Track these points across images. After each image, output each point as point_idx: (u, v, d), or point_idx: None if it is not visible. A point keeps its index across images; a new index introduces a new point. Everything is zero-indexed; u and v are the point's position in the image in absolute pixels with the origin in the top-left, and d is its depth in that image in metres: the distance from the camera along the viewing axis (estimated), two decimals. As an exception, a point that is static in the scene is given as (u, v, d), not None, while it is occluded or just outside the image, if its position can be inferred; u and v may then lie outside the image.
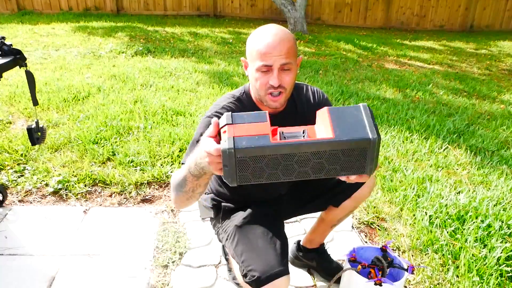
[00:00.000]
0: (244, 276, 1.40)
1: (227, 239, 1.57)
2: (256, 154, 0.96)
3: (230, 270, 1.99)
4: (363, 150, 0.98)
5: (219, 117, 1.40)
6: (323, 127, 1.01)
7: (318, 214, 1.97)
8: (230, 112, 1.05)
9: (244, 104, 1.54)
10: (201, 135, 1.41)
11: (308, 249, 2.07)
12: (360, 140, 0.97)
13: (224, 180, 1.02)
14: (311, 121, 1.61)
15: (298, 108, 1.60)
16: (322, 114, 1.03)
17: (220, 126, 1.04)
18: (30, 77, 2.27)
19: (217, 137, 1.09)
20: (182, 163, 1.48)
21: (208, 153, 1.08)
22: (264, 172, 0.98)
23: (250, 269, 1.39)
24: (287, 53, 1.35)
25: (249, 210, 1.61)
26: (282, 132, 0.99)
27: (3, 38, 2.23)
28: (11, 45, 2.22)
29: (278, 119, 1.53)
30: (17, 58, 2.21)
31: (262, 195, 1.69)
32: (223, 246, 1.66)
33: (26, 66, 2.26)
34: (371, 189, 1.79)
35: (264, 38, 1.36)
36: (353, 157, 0.99)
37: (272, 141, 0.95)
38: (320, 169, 1.00)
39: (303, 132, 0.99)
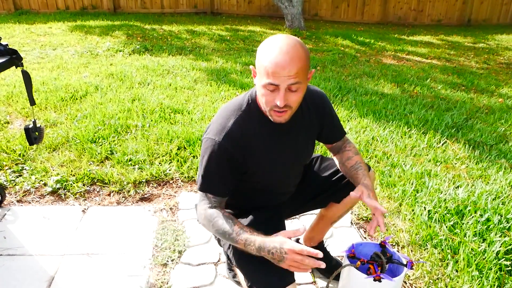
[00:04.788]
0: (250, 287, 1.40)
1: (229, 247, 1.54)
2: None
3: (230, 268, 1.99)
4: None
5: (231, 144, 1.40)
6: None
7: (317, 210, 1.97)
8: None
9: (252, 116, 1.46)
10: (214, 162, 1.41)
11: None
12: None
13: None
14: (316, 127, 1.60)
15: (304, 116, 1.56)
16: None
17: None
18: (26, 77, 2.26)
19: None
20: (200, 190, 1.46)
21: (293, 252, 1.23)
22: None
23: (256, 280, 1.38)
24: (296, 74, 1.26)
25: (250, 217, 1.59)
26: None
27: (-1, 38, 2.22)
28: (7, 45, 2.21)
29: (286, 128, 1.50)
30: (13, 58, 2.19)
31: (265, 203, 1.68)
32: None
33: (22, 66, 2.24)
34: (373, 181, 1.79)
35: (274, 56, 1.26)
36: None
37: None
38: None
39: None
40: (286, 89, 1.29)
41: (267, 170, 1.53)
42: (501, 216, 2.38)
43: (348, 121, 3.89)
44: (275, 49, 1.27)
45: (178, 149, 3.18)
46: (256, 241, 1.30)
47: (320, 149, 3.23)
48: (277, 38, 1.31)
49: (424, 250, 2.22)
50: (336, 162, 1.75)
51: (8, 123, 3.66)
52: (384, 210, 1.45)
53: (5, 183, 2.72)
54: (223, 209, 1.46)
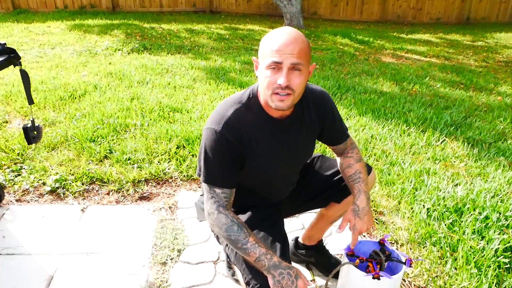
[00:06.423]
0: (247, 284, 1.40)
1: (227, 245, 1.54)
2: None
3: (229, 266, 1.99)
4: None
5: (230, 133, 1.40)
6: None
7: (317, 209, 1.97)
8: None
9: (251, 110, 1.46)
10: (215, 152, 1.41)
11: (307, 246, 2.06)
12: None
13: None
14: (316, 127, 1.60)
15: (304, 113, 1.54)
16: None
17: None
18: (24, 76, 2.25)
19: None
20: (205, 182, 1.45)
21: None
22: None
23: (252, 277, 1.38)
24: (299, 53, 1.31)
25: (249, 213, 1.59)
26: None
27: (-3, 37, 2.22)
28: (5, 44, 2.20)
29: (286, 124, 1.50)
30: (11, 57, 2.19)
31: (264, 201, 1.68)
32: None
33: (20, 65, 2.24)
34: (372, 184, 1.79)
35: (278, 37, 1.33)
36: None
37: None
38: None
39: None
40: (289, 69, 1.31)
41: (265, 165, 1.52)
42: (500, 213, 2.38)
43: (347, 119, 3.89)
44: (279, 33, 1.35)
45: (177, 148, 3.18)
46: (271, 260, 1.33)
47: (320, 148, 3.24)
48: (281, 27, 1.39)
49: (423, 248, 2.22)
50: (338, 162, 1.74)
51: (6, 122, 3.66)
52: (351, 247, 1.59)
53: (4, 182, 2.72)
54: (234, 213, 1.44)
